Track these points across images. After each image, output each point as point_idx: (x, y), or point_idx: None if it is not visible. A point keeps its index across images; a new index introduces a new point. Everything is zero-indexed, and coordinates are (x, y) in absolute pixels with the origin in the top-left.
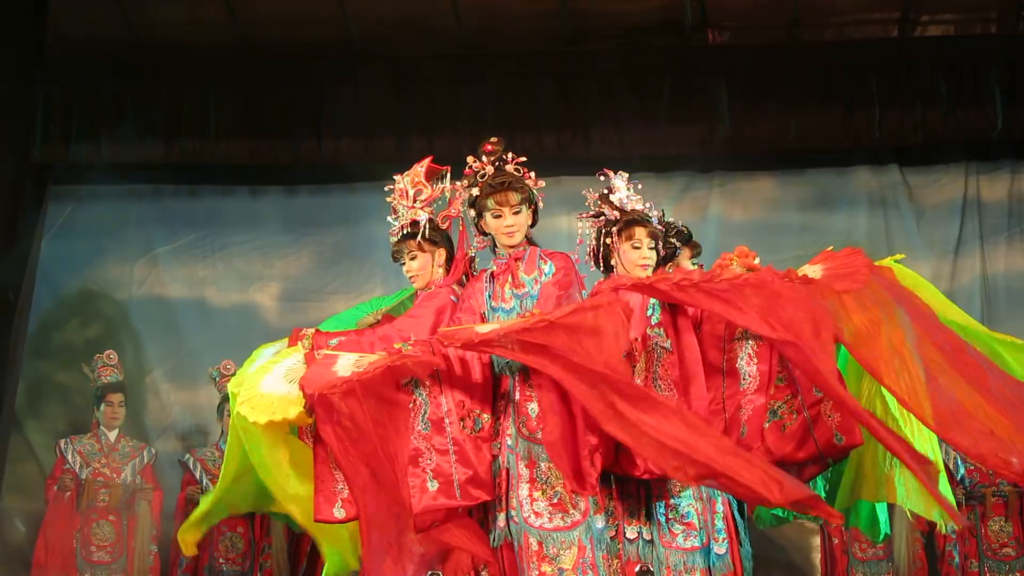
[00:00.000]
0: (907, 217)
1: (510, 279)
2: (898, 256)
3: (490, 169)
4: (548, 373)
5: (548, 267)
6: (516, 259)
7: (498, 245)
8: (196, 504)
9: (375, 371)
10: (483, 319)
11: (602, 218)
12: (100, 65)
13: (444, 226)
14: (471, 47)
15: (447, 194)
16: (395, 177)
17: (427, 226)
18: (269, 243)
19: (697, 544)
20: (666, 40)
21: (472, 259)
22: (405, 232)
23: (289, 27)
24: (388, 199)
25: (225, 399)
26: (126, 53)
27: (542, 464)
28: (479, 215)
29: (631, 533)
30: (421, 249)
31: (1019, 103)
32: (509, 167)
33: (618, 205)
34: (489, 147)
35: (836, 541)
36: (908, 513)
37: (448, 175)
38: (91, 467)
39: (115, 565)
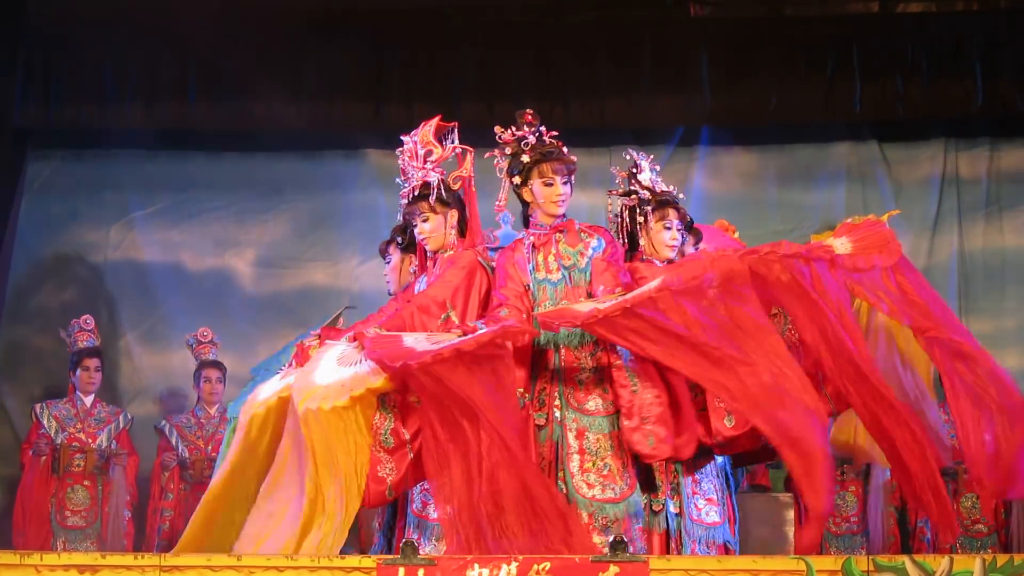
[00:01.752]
0: (886, 193)
1: (553, 251)
2: (894, 212)
3: (532, 139)
4: (656, 347)
5: (596, 241)
6: (559, 230)
7: (540, 214)
8: (169, 469)
9: (480, 340)
10: (527, 291)
11: (634, 196)
12: (79, 29)
13: (456, 187)
14: (450, 15)
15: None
16: (403, 138)
17: (440, 187)
18: (246, 209)
19: (717, 519)
20: (647, 12)
21: None
22: (417, 194)
23: None
24: (398, 161)
25: (203, 365)
26: (105, 16)
27: (590, 435)
28: (524, 182)
29: (656, 505)
30: (434, 211)
31: (999, 80)
32: (545, 139)
33: (648, 185)
34: (529, 116)
35: None
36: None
37: (455, 132)
38: (66, 432)
39: (89, 530)
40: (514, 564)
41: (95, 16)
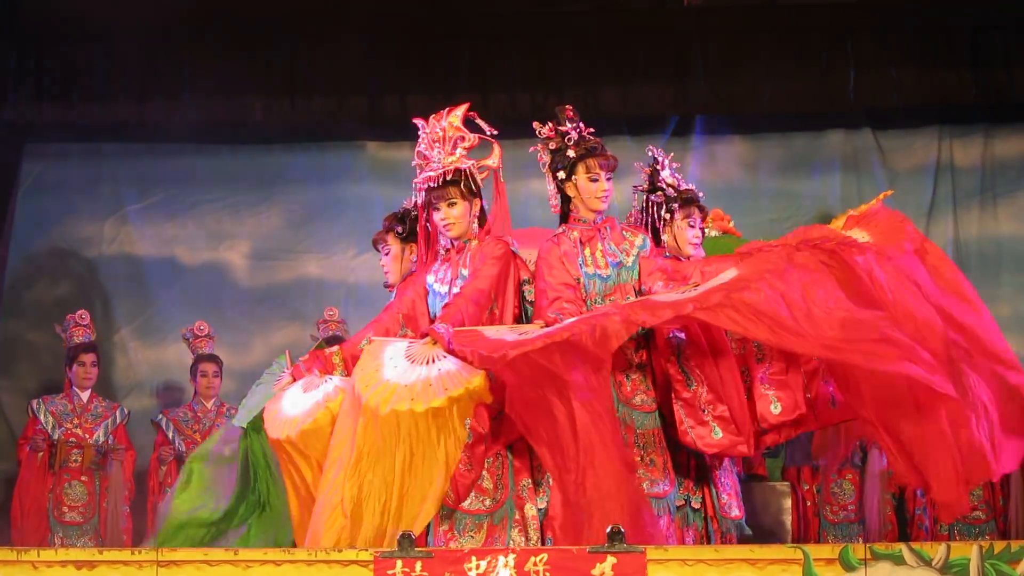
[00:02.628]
0: (880, 181)
1: (600, 246)
2: (887, 193)
3: (574, 134)
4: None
5: (641, 240)
6: (603, 227)
7: (583, 209)
8: (166, 464)
9: (586, 332)
10: (577, 283)
11: (660, 194)
12: (73, 24)
13: (481, 176)
14: (444, 7)
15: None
16: (419, 122)
17: (471, 175)
18: (240, 201)
19: (738, 513)
20: (641, 1)
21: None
22: (448, 179)
23: None
24: (419, 145)
25: (199, 359)
26: (99, 12)
27: (638, 431)
28: (568, 177)
29: (678, 500)
30: (463, 197)
31: (993, 67)
32: (585, 135)
33: (672, 182)
34: (569, 112)
35: (808, 504)
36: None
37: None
38: (63, 427)
39: (87, 526)
40: (511, 556)
41: (88, 12)
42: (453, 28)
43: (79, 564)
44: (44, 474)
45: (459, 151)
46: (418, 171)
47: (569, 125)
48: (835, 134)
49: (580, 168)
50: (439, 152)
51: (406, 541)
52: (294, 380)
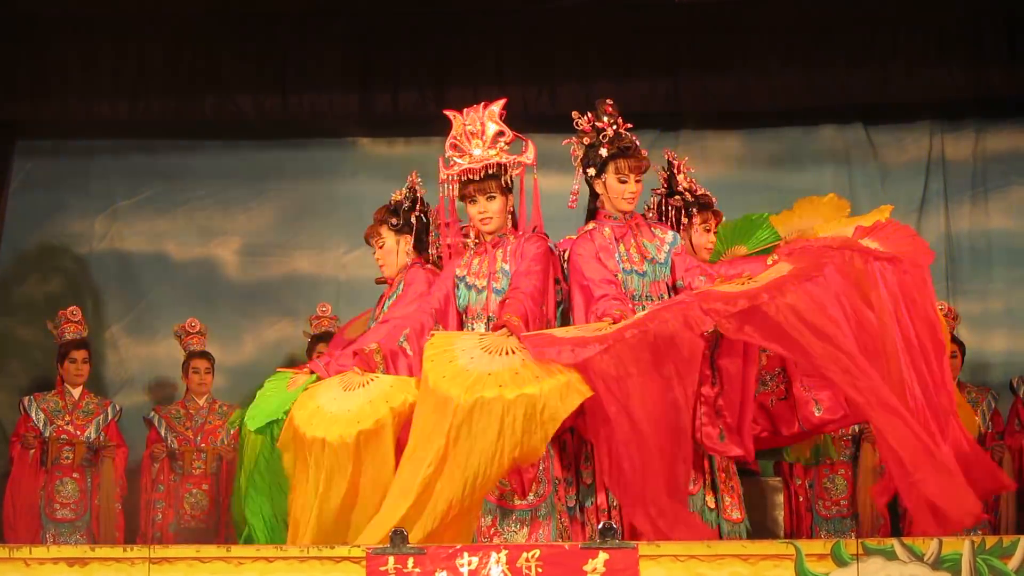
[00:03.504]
0: (872, 176)
1: (633, 243)
2: (887, 208)
3: (610, 131)
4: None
5: (671, 237)
6: (633, 223)
7: (610, 207)
8: (158, 461)
9: (682, 319)
10: (616, 278)
11: (678, 197)
12: (65, 21)
13: (516, 172)
14: (434, 4)
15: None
16: (452, 113)
17: (510, 170)
18: (231, 198)
19: (739, 516)
20: None
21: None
22: (490, 172)
23: None
24: (451, 139)
25: (191, 356)
26: (90, 8)
27: None
28: (598, 174)
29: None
30: (501, 192)
31: (984, 62)
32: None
33: (687, 186)
34: (609, 107)
35: (801, 499)
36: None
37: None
38: (55, 424)
39: (79, 523)
40: (504, 552)
41: (78, 8)
42: (444, 24)
43: (71, 561)
44: (36, 471)
45: (499, 145)
46: (448, 163)
47: (607, 120)
48: (826, 129)
49: (610, 167)
50: (478, 145)
51: (398, 537)
52: (311, 373)
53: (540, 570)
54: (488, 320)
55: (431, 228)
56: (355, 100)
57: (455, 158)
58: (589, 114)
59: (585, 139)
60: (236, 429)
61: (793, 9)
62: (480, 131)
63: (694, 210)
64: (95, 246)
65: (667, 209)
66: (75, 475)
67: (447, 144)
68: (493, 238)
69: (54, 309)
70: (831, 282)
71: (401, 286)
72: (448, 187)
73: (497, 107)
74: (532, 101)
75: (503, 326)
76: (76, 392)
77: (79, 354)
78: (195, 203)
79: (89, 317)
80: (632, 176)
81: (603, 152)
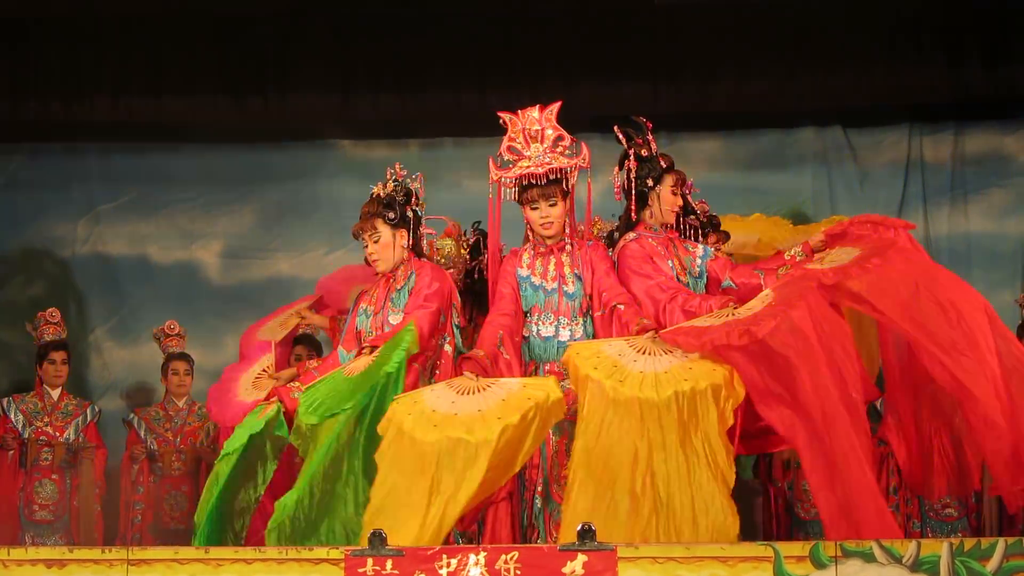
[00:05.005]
0: (851, 178)
1: (676, 253)
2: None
3: (654, 146)
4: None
5: (701, 250)
6: (670, 239)
7: (654, 218)
8: (138, 462)
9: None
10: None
11: (694, 217)
12: (47, 23)
13: (574, 178)
14: (416, 5)
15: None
16: (508, 116)
17: (572, 175)
18: (212, 200)
19: None
20: (613, 0)
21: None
22: (552, 178)
23: None
24: (509, 140)
25: (170, 358)
26: (73, 11)
27: None
28: (653, 186)
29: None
30: (562, 197)
31: (962, 65)
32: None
33: (694, 207)
34: (651, 124)
35: (780, 501)
36: None
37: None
38: (34, 426)
39: (58, 524)
40: (482, 554)
41: (61, 9)
42: (426, 27)
43: (49, 563)
44: (15, 473)
45: (558, 150)
46: (504, 164)
47: (652, 137)
48: (805, 131)
49: (667, 179)
50: (538, 149)
51: (376, 539)
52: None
53: (519, 572)
54: (557, 320)
55: (423, 222)
56: (336, 102)
57: (513, 160)
58: (629, 130)
59: (643, 150)
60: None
61: (772, 12)
62: (540, 134)
63: (708, 230)
64: (77, 249)
65: (686, 228)
66: (54, 476)
67: (503, 146)
68: (554, 242)
69: (37, 312)
70: None
71: (411, 280)
72: (497, 187)
73: (554, 109)
74: (512, 105)
75: (646, 330)
76: (55, 393)
77: (58, 355)
78: (177, 206)
79: (72, 320)
80: (680, 190)
81: (663, 164)
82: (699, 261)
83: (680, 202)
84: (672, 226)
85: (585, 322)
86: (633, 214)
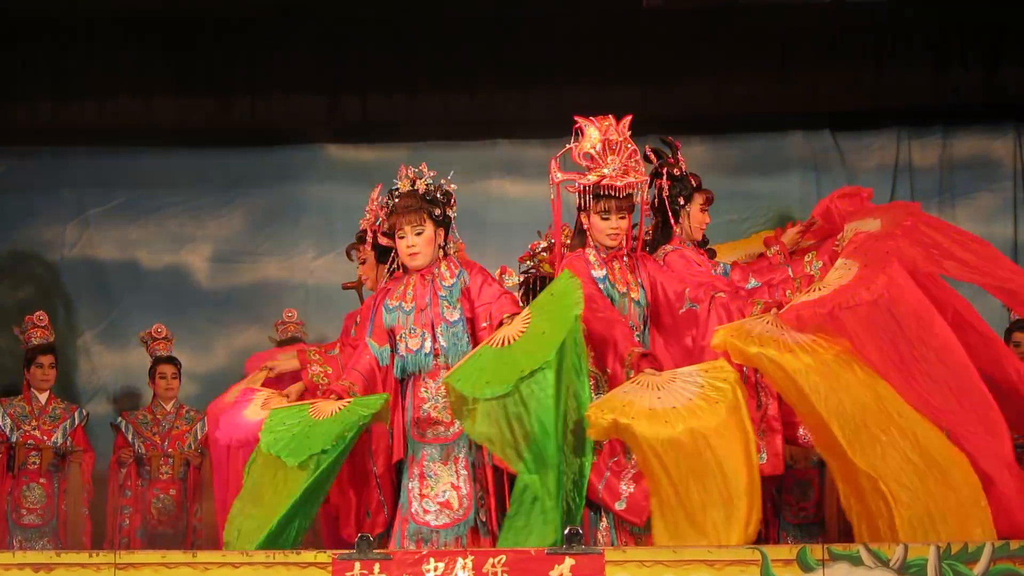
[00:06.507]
0: (839, 182)
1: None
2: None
3: (684, 166)
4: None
5: (722, 268)
6: (702, 253)
7: (688, 235)
8: (126, 466)
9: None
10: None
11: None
12: (35, 26)
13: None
14: (405, 8)
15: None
16: (585, 122)
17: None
18: (201, 205)
19: None
20: (601, 4)
21: None
22: (631, 192)
23: None
24: (587, 147)
25: (157, 362)
26: (61, 14)
27: None
28: (684, 204)
29: None
30: (630, 211)
31: (950, 69)
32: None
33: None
34: (679, 144)
35: (768, 505)
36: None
37: None
38: (22, 430)
39: (46, 528)
40: (470, 558)
41: (49, 11)
42: (413, 30)
43: (36, 567)
44: (2, 477)
45: (632, 164)
46: (576, 170)
47: (681, 157)
48: (794, 135)
49: (697, 198)
50: (615, 160)
51: (364, 543)
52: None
53: (506, 575)
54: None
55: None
56: (324, 106)
57: (589, 167)
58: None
59: (675, 170)
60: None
61: (760, 16)
62: (619, 146)
63: (693, 192)
64: (66, 253)
65: (673, 191)
66: (42, 480)
67: (580, 151)
68: (614, 251)
69: (25, 316)
70: None
71: (462, 277)
72: (557, 189)
73: (627, 122)
74: (501, 107)
75: (768, 309)
76: (43, 397)
77: (45, 359)
78: (165, 210)
79: (61, 324)
80: (707, 208)
81: (694, 183)
82: (720, 273)
83: (708, 219)
84: (700, 243)
85: (644, 332)
86: (673, 227)
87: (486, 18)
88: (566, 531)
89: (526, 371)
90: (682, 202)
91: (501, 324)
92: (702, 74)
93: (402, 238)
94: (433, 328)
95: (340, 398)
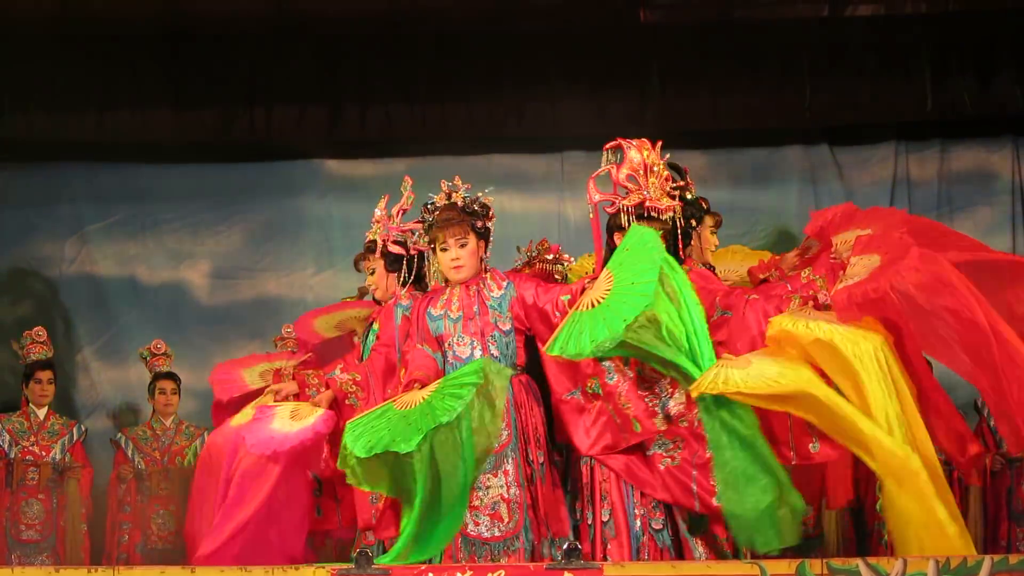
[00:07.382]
0: (837, 196)
1: None
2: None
3: (694, 189)
4: None
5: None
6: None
7: (698, 257)
8: (125, 482)
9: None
10: None
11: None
12: (32, 40)
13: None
14: (402, 23)
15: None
16: (627, 144)
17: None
18: (200, 220)
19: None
20: (597, 18)
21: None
22: (667, 215)
23: (219, 1)
24: (629, 168)
25: (157, 378)
26: (59, 28)
27: None
28: (695, 226)
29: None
30: (666, 235)
31: (948, 83)
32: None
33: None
34: (687, 169)
35: None
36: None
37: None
38: (20, 445)
39: (44, 544)
40: (468, 573)
41: (46, 27)
42: (410, 46)
43: None
44: (1, 492)
45: (668, 188)
46: (620, 189)
47: (690, 180)
48: (792, 149)
49: (707, 220)
50: (654, 184)
51: (363, 558)
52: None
53: None
54: None
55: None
56: (323, 122)
57: (629, 189)
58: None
59: (687, 193)
60: None
61: (758, 30)
62: (659, 171)
63: (704, 215)
64: (65, 269)
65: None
66: (40, 496)
67: (622, 174)
68: None
69: (23, 332)
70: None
71: (509, 289)
72: (595, 209)
73: (659, 146)
74: (499, 123)
75: (806, 303)
76: (41, 413)
77: (44, 374)
78: (164, 226)
79: (60, 341)
80: (716, 230)
81: (703, 206)
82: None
83: (717, 241)
84: (710, 266)
85: None
86: (681, 250)
87: (484, 32)
88: (564, 546)
89: (629, 319)
90: (694, 224)
91: (583, 291)
92: (700, 88)
93: (444, 250)
94: (483, 337)
95: (423, 386)
